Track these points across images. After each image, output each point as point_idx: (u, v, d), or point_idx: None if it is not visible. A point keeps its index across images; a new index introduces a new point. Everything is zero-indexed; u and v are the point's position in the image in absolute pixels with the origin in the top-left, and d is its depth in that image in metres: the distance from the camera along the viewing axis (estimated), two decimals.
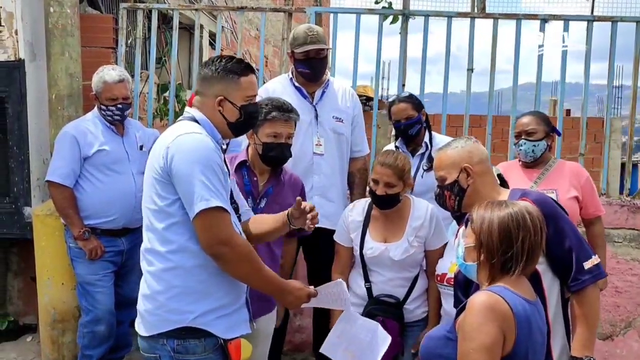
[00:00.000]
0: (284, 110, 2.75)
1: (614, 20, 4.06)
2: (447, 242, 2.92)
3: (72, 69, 3.89)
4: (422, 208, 2.89)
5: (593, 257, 2.16)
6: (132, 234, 3.61)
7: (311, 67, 3.32)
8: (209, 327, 2.03)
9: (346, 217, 2.99)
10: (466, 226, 2.39)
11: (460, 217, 2.65)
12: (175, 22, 4.37)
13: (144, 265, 2.12)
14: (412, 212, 2.88)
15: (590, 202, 3.08)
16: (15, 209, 4.04)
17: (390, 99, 3.41)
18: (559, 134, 3.20)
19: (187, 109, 2.20)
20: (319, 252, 3.28)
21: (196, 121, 2.12)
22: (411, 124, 3.27)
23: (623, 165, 5.38)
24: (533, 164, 3.14)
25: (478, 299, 1.74)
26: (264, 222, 2.39)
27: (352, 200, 3.34)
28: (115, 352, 3.64)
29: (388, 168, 2.80)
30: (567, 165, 3.20)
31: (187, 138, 2.02)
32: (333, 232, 3.08)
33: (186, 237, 2.02)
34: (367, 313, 2.81)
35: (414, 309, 2.87)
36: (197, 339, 2.03)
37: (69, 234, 3.48)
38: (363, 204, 3.00)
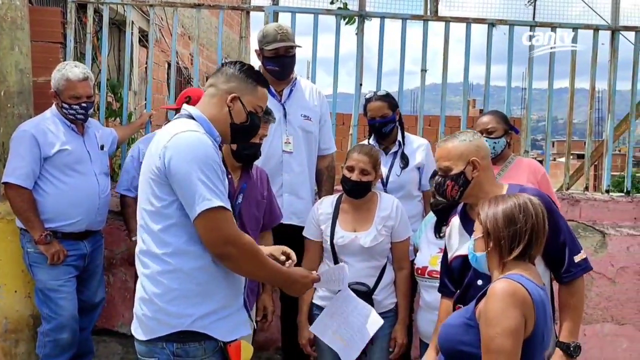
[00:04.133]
0: (264, 113, 2.77)
1: (553, 27, 4.36)
2: (412, 236, 3.06)
3: (23, 64, 3.67)
4: (388, 201, 3.05)
5: (582, 251, 2.31)
6: (94, 236, 3.51)
7: (280, 65, 3.35)
8: (208, 330, 2.00)
9: (315, 211, 3.08)
10: (461, 220, 2.51)
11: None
12: (129, 19, 4.24)
13: (139, 267, 2.06)
14: (380, 204, 3.02)
15: None
16: None
17: (366, 96, 3.49)
18: (517, 132, 3.40)
19: (184, 106, 2.15)
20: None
21: (193, 119, 2.08)
22: (385, 122, 3.35)
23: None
24: (493, 160, 3.31)
25: (499, 286, 1.84)
26: None
27: (320, 198, 3.40)
28: None
29: (365, 155, 2.97)
30: (525, 161, 3.40)
31: (184, 136, 1.97)
32: (302, 229, 3.13)
33: (184, 239, 1.98)
34: None
35: (383, 300, 2.97)
36: (197, 342, 2.00)
37: (27, 238, 3.31)
38: (331, 198, 3.13)
